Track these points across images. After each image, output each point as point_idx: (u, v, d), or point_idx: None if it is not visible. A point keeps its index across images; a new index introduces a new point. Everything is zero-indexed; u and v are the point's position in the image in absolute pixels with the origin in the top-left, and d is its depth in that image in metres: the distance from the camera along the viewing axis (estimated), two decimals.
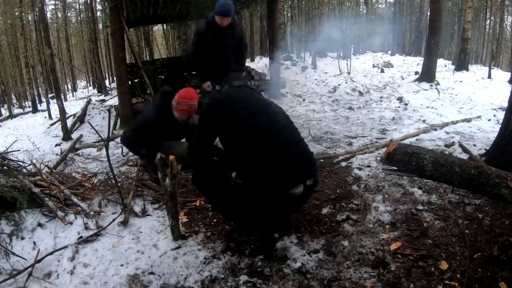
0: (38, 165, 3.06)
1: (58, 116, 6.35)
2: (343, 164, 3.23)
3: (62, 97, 8.50)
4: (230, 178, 1.94)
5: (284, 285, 1.81)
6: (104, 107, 8.02)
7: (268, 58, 7.61)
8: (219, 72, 3.63)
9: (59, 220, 2.32)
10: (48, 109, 8.39)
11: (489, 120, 4.45)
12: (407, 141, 3.60)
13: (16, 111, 12.43)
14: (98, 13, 17.38)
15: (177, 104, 2.85)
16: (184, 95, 2.85)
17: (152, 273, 1.95)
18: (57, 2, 21.69)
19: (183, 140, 3.21)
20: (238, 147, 1.94)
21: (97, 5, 17.13)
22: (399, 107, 5.44)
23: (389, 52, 12.13)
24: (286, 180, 1.88)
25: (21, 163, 2.91)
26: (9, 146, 3.23)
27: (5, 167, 2.59)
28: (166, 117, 2.92)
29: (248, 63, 12.51)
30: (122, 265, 2.01)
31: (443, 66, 8.42)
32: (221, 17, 3.54)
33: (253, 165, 1.89)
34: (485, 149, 3.25)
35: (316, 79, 8.40)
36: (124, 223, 2.37)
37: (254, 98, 2.12)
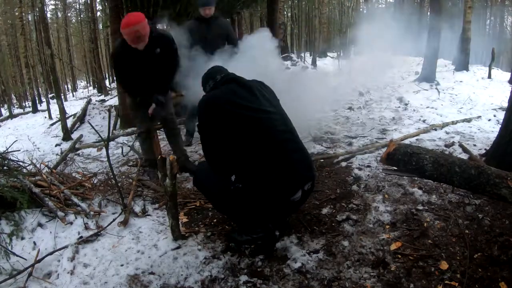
0: (38, 165, 3.06)
1: (58, 116, 6.33)
2: (343, 164, 3.23)
3: (62, 97, 8.50)
4: (229, 181, 1.94)
5: (284, 285, 1.81)
6: (104, 107, 8.01)
7: None
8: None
9: (59, 220, 2.32)
10: (48, 109, 8.37)
11: (489, 120, 4.45)
12: (407, 141, 3.60)
13: (16, 111, 12.40)
14: (98, 13, 17.39)
15: (124, 35, 2.56)
16: (123, 23, 2.51)
17: (152, 273, 1.95)
18: (57, 2, 21.70)
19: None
20: (237, 151, 1.90)
21: (97, 5, 17.14)
22: (399, 107, 5.44)
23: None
24: (285, 189, 1.90)
25: (21, 163, 2.91)
26: (9, 146, 3.22)
27: (5, 167, 2.59)
28: (127, 47, 2.65)
29: None
30: (122, 265, 2.01)
31: (443, 66, 8.40)
32: (204, 8, 3.83)
33: (252, 172, 1.89)
34: (485, 149, 3.25)
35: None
36: (124, 223, 2.37)
37: (252, 99, 1.97)
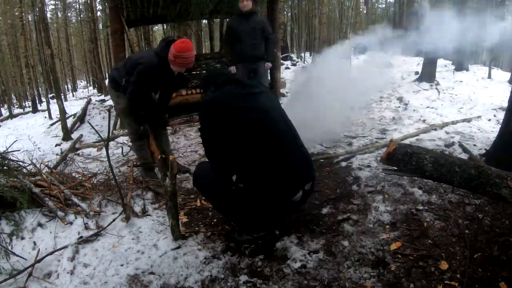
0: (38, 165, 3.06)
1: (58, 116, 6.34)
2: (343, 164, 3.23)
3: (62, 97, 8.47)
4: (230, 181, 1.94)
5: (284, 285, 1.81)
6: (104, 107, 8.01)
7: None
8: (249, 55, 4.39)
9: (59, 220, 2.32)
10: (48, 109, 8.38)
11: (489, 120, 4.45)
12: (407, 141, 3.60)
13: (16, 111, 12.40)
14: (98, 13, 17.37)
15: (174, 57, 2.71)
16: (180, 48, 2.67)
17: (152, 273, 1.95)
18: (57, 2, 21.70)
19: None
20: (238, 151, 1.90)
21: (97, 5, 17.12)
22: (399, 107, 5.44)
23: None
24: (287, 190, 1.91)
25: (21, 163, 2.90)
26: (9, 146, 3.22)
27: (5, 167, 2.59)
28: (164, 66, 2.80)
29: None
30: (122, 265, 2.01)
31: (443, 66, 8.39)
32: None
33: (253, 172, 1.89)
34: (485, 149, 3.25)
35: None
36: (127, 218, 2.38)
37: (253, 100, 1.98)
